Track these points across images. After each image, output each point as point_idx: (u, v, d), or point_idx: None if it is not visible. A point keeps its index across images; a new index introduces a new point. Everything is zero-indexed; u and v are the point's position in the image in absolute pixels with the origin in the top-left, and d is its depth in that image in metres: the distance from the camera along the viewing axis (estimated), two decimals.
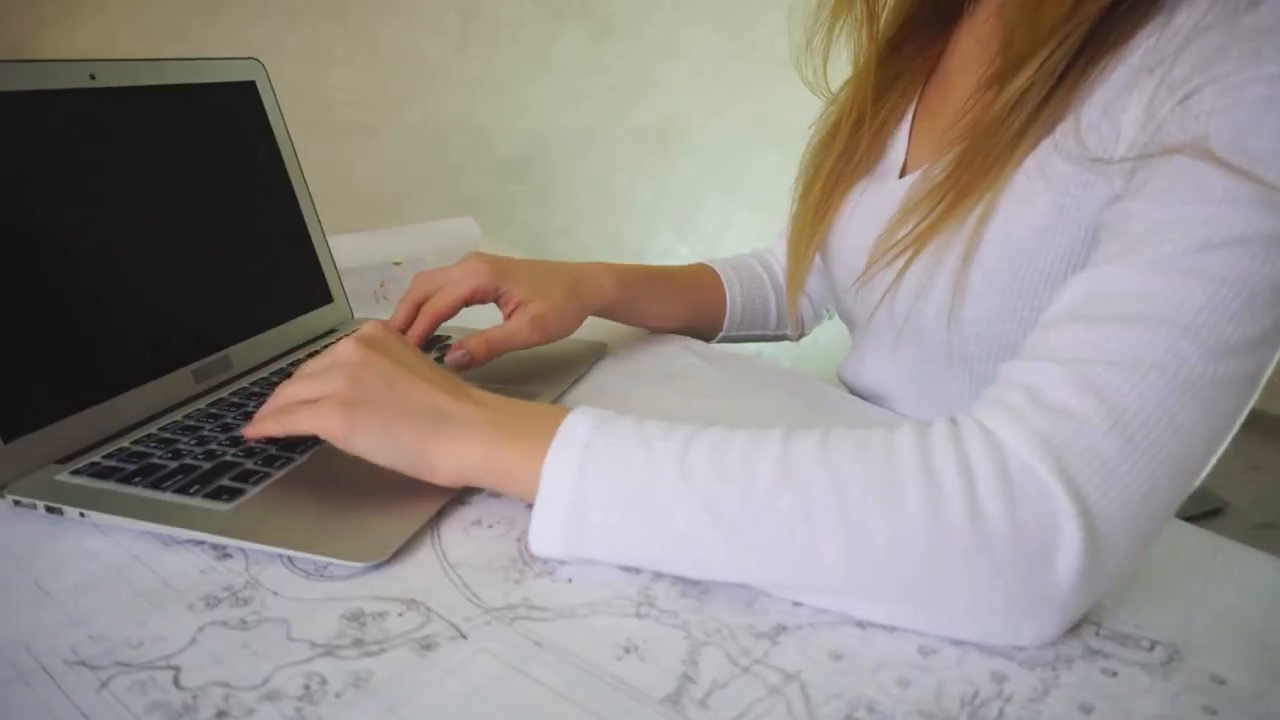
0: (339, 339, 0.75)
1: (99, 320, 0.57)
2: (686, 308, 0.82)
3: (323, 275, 0.79)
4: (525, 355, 0.71)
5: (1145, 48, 0.49)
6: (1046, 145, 0.53)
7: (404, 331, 0.66)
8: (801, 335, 0.90)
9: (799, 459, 0.40)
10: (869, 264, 0.63)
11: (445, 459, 0.46)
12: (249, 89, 0.74)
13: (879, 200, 0.67)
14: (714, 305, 0.84)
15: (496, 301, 0.68)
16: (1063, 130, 0.52)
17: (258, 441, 0.53)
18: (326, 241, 0.79)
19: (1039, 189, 0.53)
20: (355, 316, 0.82)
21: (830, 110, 0.74)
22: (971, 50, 0.65)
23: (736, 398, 0.67)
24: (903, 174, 0.67)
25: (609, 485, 0.42)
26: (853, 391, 0.73)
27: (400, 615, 0.40)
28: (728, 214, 2.06)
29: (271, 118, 0.75)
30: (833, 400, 0.69)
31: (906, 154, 0.68)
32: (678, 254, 2.02)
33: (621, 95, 1.84)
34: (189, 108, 0.67)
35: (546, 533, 0.43)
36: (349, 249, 0.92)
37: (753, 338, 0.89)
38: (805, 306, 0.87)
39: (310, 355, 0.72)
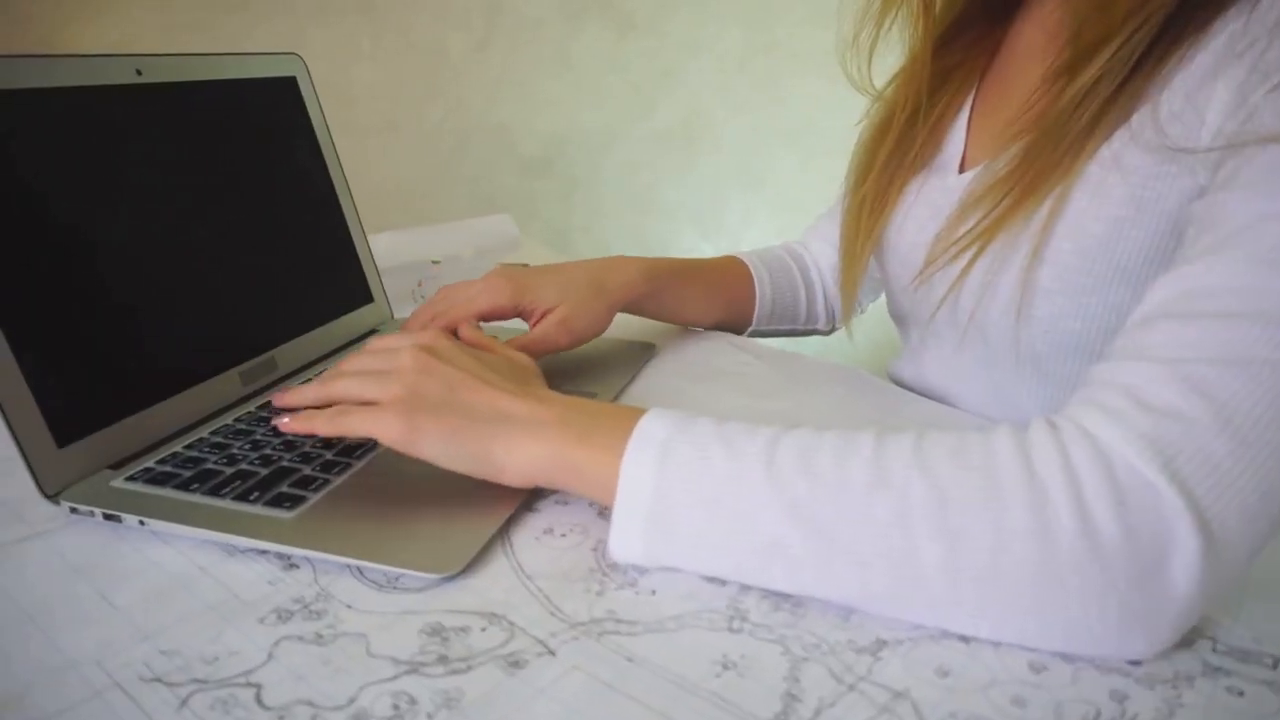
0: (379, 337, 0.74)
1: (148, 322, 0.55)
2: (716, 302, 0.80)
3: (364, 275, 0.77)
4: (575, 359, 0.70)
5: (1229, 33, 0.47)
6: (1121, 135, 0.51)
7: None
8: (833, 329, 0.88)
9: (893, 462, 0.39)
10: (928, 261, 0.62)
11: (510, 457, 0.44)
12: (290, 84, 0.72)
13: (937, 195, 0.65)
14: (744, 299, 0.82)
15: (522, 316, 0.68)
16: (1139, 119, 0.51)
17: (300, 437, 0.52)
18: (366, 240, 0.78)
19: (1114, 180, 0.52)
20: (394, 316, 0.80)
21: (879, 106, 0.72)
22: (1036, 42, 0.63)
23: (799, 396, 0.65)
24: (961, 169, 0.65)
25: (690, 484, 0.40)
26: (910, 390, 0.72)
27: (483, 630, 0.38)
28: (750, 212, 2.05)
29: (312, 114, 0.74)
30: (896, 398, 0.67)
31: (965, 148, 0.66)
32: (700, 252, 1.99)
33: (644, 93, 1.82)
34: (232, 104, 0.66)
35: (627, 537, 0.41)
36: (386, 248, 0.90)
37: (781, 332, 0.86)
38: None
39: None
